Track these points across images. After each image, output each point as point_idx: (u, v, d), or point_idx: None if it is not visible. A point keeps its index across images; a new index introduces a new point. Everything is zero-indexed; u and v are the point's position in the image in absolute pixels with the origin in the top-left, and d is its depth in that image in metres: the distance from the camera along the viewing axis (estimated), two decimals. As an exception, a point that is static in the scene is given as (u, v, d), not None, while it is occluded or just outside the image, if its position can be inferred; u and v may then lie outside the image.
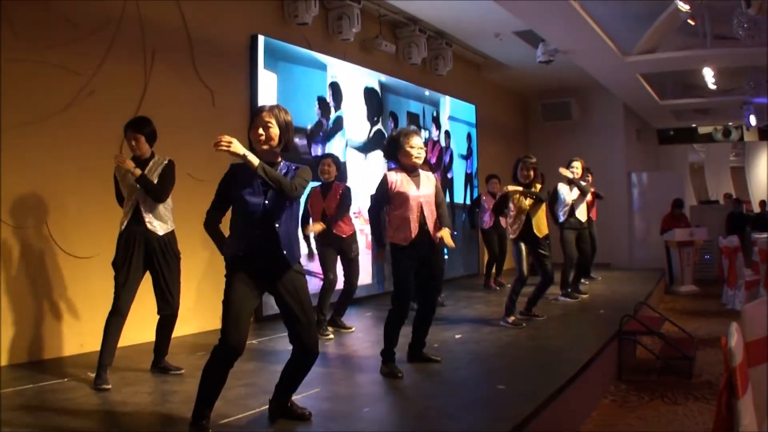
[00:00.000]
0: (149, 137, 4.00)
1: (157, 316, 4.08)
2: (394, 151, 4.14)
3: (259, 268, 2.96)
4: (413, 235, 4.04)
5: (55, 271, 4.59)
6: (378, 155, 7.76)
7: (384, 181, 4.14)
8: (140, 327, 4.55)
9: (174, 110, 5.33)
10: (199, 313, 5.47)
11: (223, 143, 2.80)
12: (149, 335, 4.23)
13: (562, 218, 7.08)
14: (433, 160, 9.23)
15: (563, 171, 6.98)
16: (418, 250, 4.08)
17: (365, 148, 7.74)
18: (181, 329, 5.21)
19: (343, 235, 5.40)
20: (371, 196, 4.24)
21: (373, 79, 7.88)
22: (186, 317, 5.27)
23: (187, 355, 4.52)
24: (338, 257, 5.46)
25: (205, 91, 5.68)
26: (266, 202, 2.95)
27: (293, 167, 3.07)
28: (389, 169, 4.22)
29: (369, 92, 7.79)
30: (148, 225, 3.93)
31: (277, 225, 2.95)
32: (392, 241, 4.10)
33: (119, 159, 3.94)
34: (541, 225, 5.69)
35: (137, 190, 3.92)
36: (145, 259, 3.94)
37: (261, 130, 2.96)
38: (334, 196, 5.39)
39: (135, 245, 3.89)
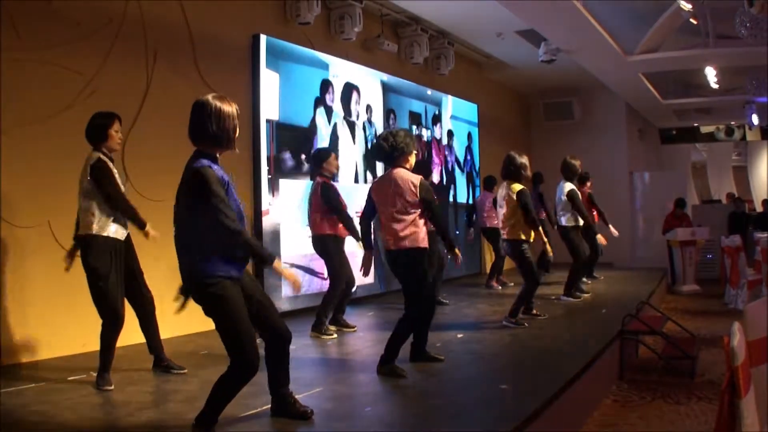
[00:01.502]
0: None
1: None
2: (401, 154, 4.04)
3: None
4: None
5: (57, 270, 4.58)
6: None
7: (430, 187, 4.13)
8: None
9: (176, 110, 5.31)
10: (196, 312, 5.45)
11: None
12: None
13: (563, 219, 7.01)
14: (441, 160, 9.24)
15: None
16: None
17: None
18: (181, 329, 5.22)
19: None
20: (430, 202, 4.04)
21: (375, 78, 7.87)
22: (184, 317, 5.26)
23: (188, 356, 4.52)
24: None
25: (207, 91, 5.48)
26: (239, 202, 2.93)
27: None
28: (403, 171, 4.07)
29: (350, 87, 7.49)
30: (129, 225, 3.96)
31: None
32: (423, 245, 4.05)
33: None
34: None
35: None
36: (126, 260, 3.95)
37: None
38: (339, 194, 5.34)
39: (120, 249, 3.89)
